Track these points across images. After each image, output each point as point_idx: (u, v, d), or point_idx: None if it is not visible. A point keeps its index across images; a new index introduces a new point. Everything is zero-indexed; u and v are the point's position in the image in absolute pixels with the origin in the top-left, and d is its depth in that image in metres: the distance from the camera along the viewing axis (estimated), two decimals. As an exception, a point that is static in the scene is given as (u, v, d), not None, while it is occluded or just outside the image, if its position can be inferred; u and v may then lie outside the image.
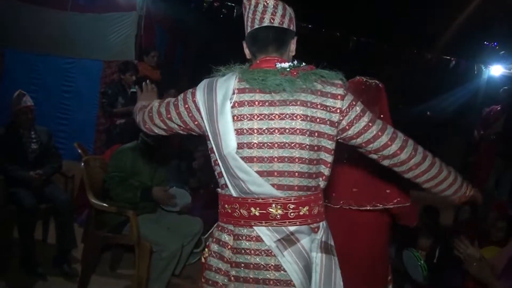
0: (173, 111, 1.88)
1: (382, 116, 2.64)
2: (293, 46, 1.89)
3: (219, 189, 1.87)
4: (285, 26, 1.81)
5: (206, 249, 1.89)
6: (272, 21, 1.79)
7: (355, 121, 1.76)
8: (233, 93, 1.75)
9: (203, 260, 1.89)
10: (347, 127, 1.78)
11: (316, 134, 1.72)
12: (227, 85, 1.77)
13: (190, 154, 6.65)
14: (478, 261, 2.62)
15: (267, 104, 1.72)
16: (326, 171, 1.79)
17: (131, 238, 3.71)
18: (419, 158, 1.84)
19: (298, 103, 1.71)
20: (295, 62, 1.81)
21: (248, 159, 1.72)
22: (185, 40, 9.62)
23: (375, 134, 1.78)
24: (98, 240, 3.92)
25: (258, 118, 1.71)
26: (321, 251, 1.75)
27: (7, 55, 7.21)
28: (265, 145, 1.71)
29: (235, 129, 1.72)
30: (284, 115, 1.70)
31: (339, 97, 1.74)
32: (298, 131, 1.70)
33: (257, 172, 1.72)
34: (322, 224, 1.81)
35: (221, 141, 1.74)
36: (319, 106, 1.72)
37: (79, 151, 5.32)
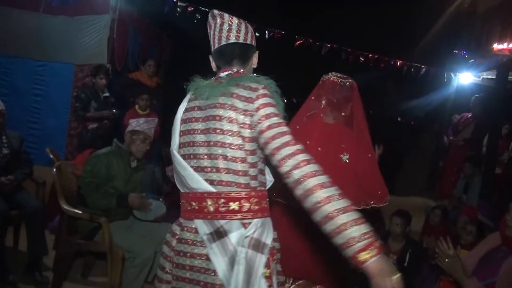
0: None
1: (354, 113, 2.80)
2: (255, 59, 2.12)
3: None
4: (248, 42, 2.04)
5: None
6: (237, 38, 2.01)
7: (258, 123, 1.83)
8: (187, 102, 2.06)
9: None
10: (253, 128, 1.86)
11: (234, 134, 1.87)
12: (186, 97, 2.08)
13: (164, 160, 6.64)
14: (451, 257, 2.69)
15: (201, 108, 1.97)
16: (250, 170, 1.88)
17: (103, 245, 3.69)
18: (312, 169, 1.71)
19: (218, 105, 1.90)
20: (235, 70, 2.01)
21: (186, 156, 1.96)
22: (159, 43, 9.59)
23: (276, 133, 1.79)
24: (70, 247, 3.88)
25: (195, 121, 1.97)
26: (248, 246, 1.82)
27: (-23, 57, 7.07)
28: (197, 143, 1.94)
29: (180, 131, 2.01)
30: (209, 117, 1.92)
31: (250, 100, 1.86)
32: (218, 131, 1.88)
33: (193, 167, 1.92)
34: (256, 222, 1.87)
35: (172, 141, 2.04)
36: (234, 108, 1.87)
37: (51, 156, 5.25)
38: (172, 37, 10.15)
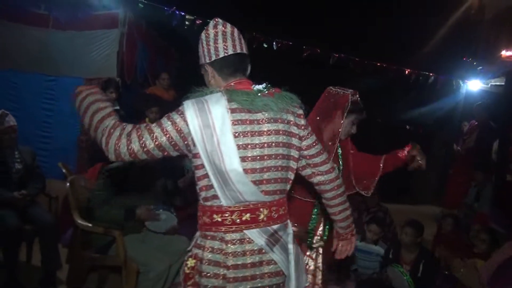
0: (163, 136, 1.89)
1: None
2: (249, 68, 2.14)
3: (202, 202, 2.00)
4: (245, 51, 2.07)
5: (191, 259, 2.01)
6: (240, 48, 2.04)
7: (308, 136, 2.11)
8: (228, 113, 1.90)
9: (186, 270, 2.01)
10: (303, 140, 2.11)
11: (290, 146, 2.03)
12: (220, 105, 1.91)
13: (176, 172, 6.64)
14: (467, 267, 2.69)
15: (255, 122, 1.94)
16: (292, 176, 2.08)
17: (117, 259, 3.68)
18: (341, 181, 2.25)
19: (279, 120, 1.99)
20: (264, 84, 2.06)
21: (245, 171, 1.91)
22: (166, 56, 9.65)
23: (318, 150, 2.15)
24: (85, 261, 3.88)
25: (251, 135, 1.92)
26: (293, 242, 2.06)
27: (-14, 73, 7.14)
28: (258, 157, 1.93)
29: (237, 145, 1.90)
30: (271, 131, 1.96)
31: (302, 116, 2.09)
32: (281, 144, 1.98)
33: (252, 181, 1.93)
34: (288, 220, 2.11)
35: (222, 157, 1.88)
36: (291, 123, 2.03)
37: (64, 171, 5.26)
38: (180, 50, 10.21)
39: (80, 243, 3.93)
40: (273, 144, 1.96)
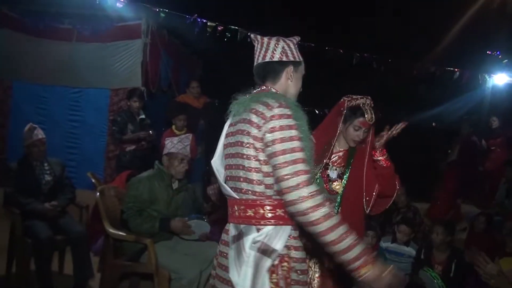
0: None
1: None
2: (287, 74, 2.17)
3: None
4: (274, 59, 2.13)
5: None
6: (264, 57, 2.14)
7: (266, 134, 1.96)
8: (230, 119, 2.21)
9: None
10: (263, 138, 1.98)
11: (249, 146, 2.02)
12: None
13: (204, 179, 6.69)
14: (497, 277, 2.63)
15: (232, 124, 2.15)
16: (265, 180, 2.01)
17: (149, 266, 3.70)
18: (304, 206, 1.87)
19: (241, 120, 2.07)
20: (269, 87, 2.15)
21: (227, 167, 2.17)
22: (190, 64, 9.72)
23: (279, 163, 1.91)
24: (116, 269, 3.91)
25: (229, 136, 2.16)
26: (257, 250, 1.97)
27: (15, 87, 7.35)
28: (229, 155, 2.14)
29: (224, 144, 2.21)
30: (238, 131, 2.08)
31: (263, 116, 1.97)
32: (239, 143, 2.05)
33: (227, 177, 2.16)
34: (268, 228, 2.01)
35: (215, 153, 2.25)
36: (254, 124, 2.00)
37: (93, 180, 5.35)
38: (203, 57, 10.29)
39: (111, 251, 3.96)
40: (235, 143, 2.09)
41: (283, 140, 1.91)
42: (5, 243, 4.48)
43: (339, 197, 2.97)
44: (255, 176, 2.01)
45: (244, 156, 2.03)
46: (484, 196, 7.62)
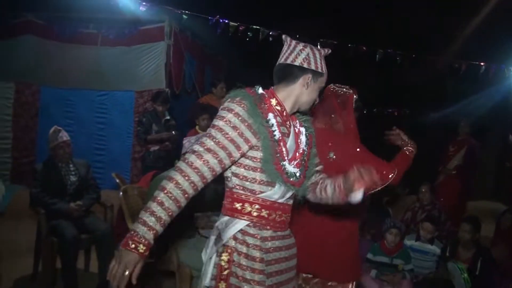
0: None
1: (346, 117, 3.00)
2: (306, 80, 2.15)
3: None
4: (295, 63, 2.13)
5: None
6: (286, 59, 2.14)
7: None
8: None
9: None
10: None
11: None
12: None
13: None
14: None
15: None
16: (225, 172, 2.10)
17: (171, 264, 3.77)
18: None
19: None
20: (279, 89, 2.18)
21: None
22: (213, 64, 9.79)
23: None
24: (139, 267, 3.96)
25: None
26: (214, 235, 2.14)
27: (43, 91, 7.51)
28: None
29: None
30: None
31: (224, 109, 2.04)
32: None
33: None
34: (224, 219, 2.12)
35: None
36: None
37: (117, 180, 5.45)
38: (226, 57, 10.35)
39: (134, 249, 4.01)
40: None
41: (212, 126, 2.01)
42: (32, 243, 4.62)
43: None
44: (219, 168, 2.04)
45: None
46: (511, 193, 7.47)
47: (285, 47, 2.17)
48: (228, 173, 2.10)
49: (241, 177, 2.07)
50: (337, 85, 3.06)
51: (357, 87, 3.08)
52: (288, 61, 2.13)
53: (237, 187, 2.08)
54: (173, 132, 6.09)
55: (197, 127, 6.32)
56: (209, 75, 9.22)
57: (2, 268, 4.32)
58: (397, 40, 8.29)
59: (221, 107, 2.04)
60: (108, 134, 7.44)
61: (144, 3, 6.73)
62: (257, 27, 7.24)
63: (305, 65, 2.13)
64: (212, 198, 4.35)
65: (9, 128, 7.42)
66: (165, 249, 3.87)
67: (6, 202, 6.40)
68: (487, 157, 9.47)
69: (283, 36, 2.23)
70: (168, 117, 6.27)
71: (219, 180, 4.39)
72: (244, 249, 2.05)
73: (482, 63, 7.88)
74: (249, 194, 2.08)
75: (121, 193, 4.23)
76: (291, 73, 2.14)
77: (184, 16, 7.06)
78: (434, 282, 4.61)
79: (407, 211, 6.15)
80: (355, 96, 3.04)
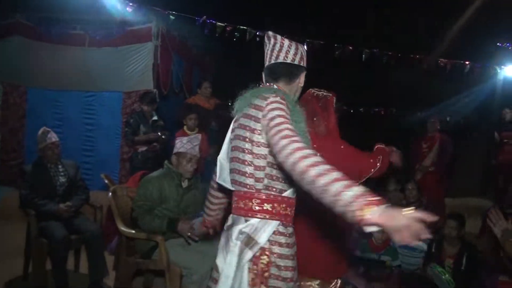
0: None
1: (327, 119, 3.07)
2: (302, 79, 2.30)
3: None
4: (295, 62, 2.22)
5: None
6: (285, 58, 2.20)
7: (264, 122, 2.03)
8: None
9: None
10: (262, 133, 2.06)
11: (246, 140, 2.11)
12: None
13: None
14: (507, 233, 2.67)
15: (236, 119, 2.24)
16: (257, 173, 2.09)
17: (160, 263, 3.78)
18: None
19: (242, 115, 2.16)
20: (273, 85, 2.23)
21: (231, 160, 2.22)
22: (201, 65, 9.80)
23: (275, 141, 1.87)
24: (129, 266, 3.99)
25: (233, 131, 2.25)
26: (242, 241, 2.07)
27: (30, 92, 7.50)
28: (231, 149, 2.22)
29: (230, 139, 2.27)
30: (238, 126, 2.18)
31: (261, 108, 2.06)
32: (241, 138, 2.13)
33: (230, 169, 2.22)
34: (254, 221, 2.09)
35: (225, 149, 2.31)
36: (252, 118, 2.10)
37: (106, 181, 5.46)
38: (214, 57, 10.37)
39: (124, 249, 4.05)
40: (235, 137, 2.19)
41: (272, 118, 1.95)
42: (22, 244, 4.61)
43: None
44: (247, 169, 2.10)
45: (240, 149, 2.13)
46: (497, 190, 7.57)
47: (274, 45, 2.22)
48: (260, 174, 2.09)
49: (274, 177, 2.09)
50: (316, 89, 3.15)
51: (342, 87, 3.16)
52: (288, 60, 2.19)
53: (269, 188, 2.09)
54: (159, 133, 6.11)
55: (185, 127, 6.35)
56: (197, 75, 9.23)
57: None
58: (383, 40, 8.38)
59: (272, 101, 2.04)
60: (96, 135, 7.44)
61: (131, 4, 6.74)
62: (244, 27, 7.28)
63: (302, 64, 2.25)
64: (202, 199, 4.38)
65: (-4, 130, 7.39)
66: (154, 248, 3.88)
67: (-5, 204, 6.40)
68: (473, 154, 9.60)
69: (270, 33, 2.26)
70: (155, 118, 6.29)
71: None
72: (277, 249, 2.08)
73: (467, 62, 8.00)
74: (277, 194, 2.10)
75: (110, 193, 4.23)
76: (290, 72, 2.23)
77: (171, 17, 7.08)
78: (421, 278, 4.68)
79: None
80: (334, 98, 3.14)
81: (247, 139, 2.10)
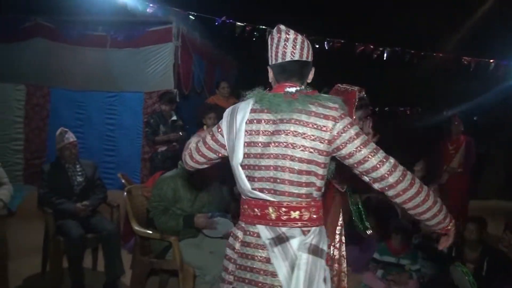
0: (203, 147, 2.24)
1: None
2: (311, 75, 2.21)
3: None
4: (305, 59, 2.11)
5: None
6: (301, 56, 2.09)
7: (348, 143, 1.97)
8: (249, 113, 2.09)
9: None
10: (340, 147, 1.98)
11: (307, 149, 1.97)
12: (245, 107, 2.11)
13: (232, 179, 6.70)
14: None
15: (270, 122, 2.04)
16: (318, 182, 2.02)
17: (174, 263, 3.80)
18: (406, 184, 1.97)
19: (292, 121, 1.99)
20: (302, 87, 2.11)
21: (251, 167, 2.06)
22: (223, 65, 9.82)
23: (365, 156, 1.96)
24: (144, 266, 4.02)
25: (262, 134, 2.04)
26: (308, 252, 1.98)
27: (53, 93, 7.62)
28: (257, 155, 2.04)
29: (245, 142, 2.07)
30: (279, 131, 2.00)
31: (331, 118, 1.98)
32: (290, 145, 1.97)
33: (256, 178, 2.05)
34: (315, 229, 2.04)
35: (234, 153, 2.09)
36: (310, 125, 1.98)
37: (123, 181, 5.50)
38: (238, 58, 10.38)
39: (139, 249, 4.08)
40: (281, 144, 1.99)
41: (358, 134, 1.97)
42: (41, 242, 4.70)
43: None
44: (305, 178, 1.99)
45: (296, 159, 1.97)
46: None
47: (290, 41, 2.08)
48: (321, 184, 2.04)
49: (325, 185, 2.10)
50: (345, 84, 3.07)
51: (365, 86, 3.07)
52: (304, 58, 2.10)
53: (322, 195, 2.10)
54: (180, 133, 6.14)
55: (204, 127, 6.35)
56: (220, 75, 9.25)
57: (12, 267, 4.37)
58: (405, 38, 8.24)
59: (342, 113, 2.01)
60: (117, 135, 7.53)
61: (151, 5, 6.79)
62: (264, 27, 7.26)
63: (311, 59, 2.16)
64: (217, 198, 4.37)
65: (20, 130, 7.53)
66: (168, 248, 3.90)
67: (17, 202, 6.51)
68: (499, 155, 9.38)
69: (283, 27, 2.13)
70: (175, 118, 6.32)
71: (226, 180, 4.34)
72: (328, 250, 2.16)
73: (491, 60, 7.81)
74: (321, 199, 2.11)
75: (125, 193, 4.26)
76: (308, 70, 2.16)
77: (191, 17, 7.11)
78: (441, 282, 4.58)
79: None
80: (360, 94, 3.02)
81: (309, 149, 1.97)
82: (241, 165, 2.08)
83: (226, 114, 2.18)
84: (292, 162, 1.97)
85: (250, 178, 2.07)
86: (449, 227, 2.12)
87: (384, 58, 7.73)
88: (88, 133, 7.17)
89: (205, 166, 2.32)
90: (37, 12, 7.48)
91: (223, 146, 2.18)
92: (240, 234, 2.12)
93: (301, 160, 1.97)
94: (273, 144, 2.01)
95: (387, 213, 5.76)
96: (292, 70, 2.10)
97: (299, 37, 2.09)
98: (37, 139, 7.59)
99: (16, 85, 7.54)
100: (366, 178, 2.01)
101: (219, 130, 2.18)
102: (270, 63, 2.17)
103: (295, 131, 1.98)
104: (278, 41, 2.10)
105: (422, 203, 2.00)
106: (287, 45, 2.08)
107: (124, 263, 4.53)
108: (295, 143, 1.97)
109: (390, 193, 1.98)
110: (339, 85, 3.07)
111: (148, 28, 7.40)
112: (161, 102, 6.28)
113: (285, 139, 1.99)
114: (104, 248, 4.49)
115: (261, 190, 2.04)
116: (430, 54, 7.99)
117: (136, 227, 3.99)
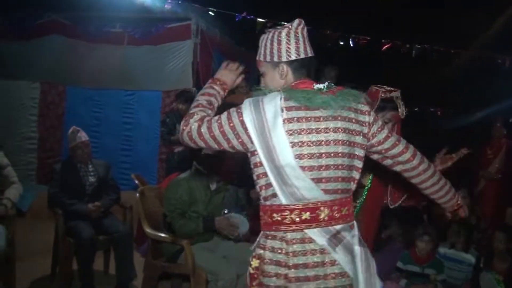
0: (217, 129, 2.00)
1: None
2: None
3: (262, 201, 2.03)
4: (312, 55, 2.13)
5: (255, 260, 2.00)
6: (311, 52, 2.08)
7: (377, 133, 2.07)
8: (282, 111, 1.93)
9: (251, 271, 2.01)
10: (371, 137, 2.06)
11: (352, 144, 1.99)
12: (274, 104, 1.95)
13: (248, 182, 6.55)
14: None
15: (313, 119, 1.94)
16: (357, 175, 2.05)
17: (186, 267, 3.67)
18: (426, 165, 2.14)
19: (339, 118, 1.97)
20: (327, 83, 2.04)
21: (302, 168, 1.92)
22: (246, 62, 9.66)
23: (393, 143, 2.09)
24: (155, 269, 3.90)
25: (307, 132, 1.93)
26: (359, 244, 1.98)
27: (69, 91, 7.57)
28: (315, 155, 1.93)
29: (290, 142, 1.92)
30: (329, 129, 1.95)
31: (366, 113, 2.05)
32: (340, 142, 1.95)
33: (311, 179, 1.93)
34: (354, 223, 2.07)
35: (277, 154, 1.92)
36: (354, 121, 2.00)
37: (136, 182, 5.38)
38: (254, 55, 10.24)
39: (151, 252, 3.96)
40: (331, 142, 1.96)
41: (383, 125, 2.11)
42: (51, 243, 4.60)
43: (365, 190, 2.88)
44: (355, 174, 2.05)
45: (346, 155, 1.98)
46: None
47: (306, 36, 2.09)
48: (359, 177, 2.08)
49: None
50: (379, 85, 2.86)
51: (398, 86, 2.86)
52: (312, 53, 2.11)
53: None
54: None
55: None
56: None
57: (21, 268, 4.31)
58: (433, 35, 7.99)
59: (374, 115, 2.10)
60: (135, 135, 7.45)
61: (169, 1, 6.69)
62: (285, 23, 7.07)
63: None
64: (232, 200, 4.22)
65: (35, 128, 7.46)
66: (180, 252, 3.76)
67: (29, 202, 6.47)
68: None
69: (298, 20, 2.08)
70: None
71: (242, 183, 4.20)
72: None
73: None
74: None
75: (137, 194, 4.13)
76: (313, 65, 2.15)
77: (211, 13, 6.99)
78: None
79: (443, 218, 5.85)
80: (384, 95, 2.82)
81: (361, 146, 2.04)
82: (300, 167, 1.92)
83: (249, 108, 1.98)
84: (344, 158, 1.98)
85: (316, 180, 1.94)
86: (459, 202, 2.29)
87: (413, 55, 7.47)
88: (104, 132, 7.09)
89: (200, 147, 2.09)
90: (53, 8, 7.45)
91: (238, 138, 1.98)
92: (281, 244, 1.96)
93: (350, 156, 2.00)
94: (324, 142, 1.96)
95: (413, 219, 5.54)
96: (309, 67, 2.11)
97: (305, 33, 2.11)
98: (51, 138, 7.54)
99: (31, 83, 7.47)
100: (389, 161, 2.14)
101: (241, 119, 1.97)
102: (286, 59, 2.06)
103: (345, 128, 1.98)
104: (301, 36, 2.07)
105: (437, 181, 2.18)
106: (306, 41, 2.08)
107: (136, 267, 4.43)
108: (344, 140, 1.98)
109: (413, 173, 2.14)
110: (373, 86, 2.87)
111: (166, 25, 7.33)
112: (177, 101, 6.15)
113: (335, 136, 1.96)
114: (116, 250, 4.39)
115: (327, 191, 1.96)
116: (461, 51, 7.72)
117: (148, 230, 3.86)
